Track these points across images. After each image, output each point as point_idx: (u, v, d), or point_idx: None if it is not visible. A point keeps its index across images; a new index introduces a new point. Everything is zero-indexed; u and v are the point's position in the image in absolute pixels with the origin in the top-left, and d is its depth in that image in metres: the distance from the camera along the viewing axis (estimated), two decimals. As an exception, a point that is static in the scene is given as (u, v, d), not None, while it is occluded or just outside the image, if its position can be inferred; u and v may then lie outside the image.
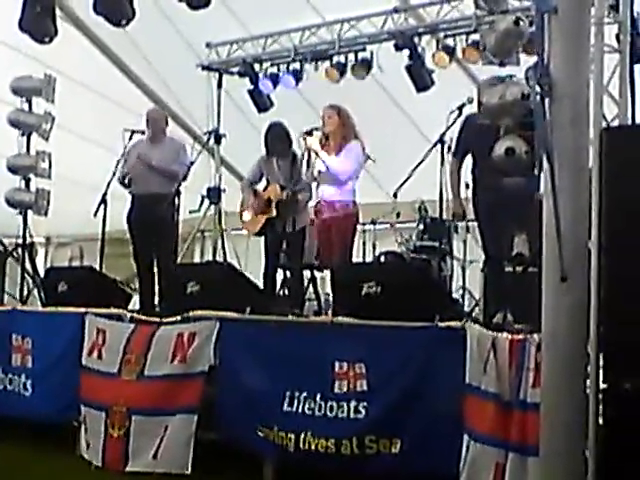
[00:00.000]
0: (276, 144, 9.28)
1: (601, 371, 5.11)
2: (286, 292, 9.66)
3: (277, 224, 9.06)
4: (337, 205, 8.74)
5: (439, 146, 8.13)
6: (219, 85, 11.10)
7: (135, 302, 9.15)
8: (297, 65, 10.62)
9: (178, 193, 9.48)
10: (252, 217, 9.41)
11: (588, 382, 5.15)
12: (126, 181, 9.48)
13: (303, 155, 8.66)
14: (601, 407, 5.10)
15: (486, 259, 8.19)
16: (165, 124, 9.92)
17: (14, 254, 10.36)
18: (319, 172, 8.70)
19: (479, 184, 7.91)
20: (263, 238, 9.42)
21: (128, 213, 9.67)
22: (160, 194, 9.30)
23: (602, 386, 5.10)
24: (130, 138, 9.50)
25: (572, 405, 5.14)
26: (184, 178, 9.53)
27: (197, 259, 13.55)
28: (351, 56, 10.28)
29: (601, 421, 5.09)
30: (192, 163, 9.52)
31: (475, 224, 8.32)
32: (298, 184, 8.91)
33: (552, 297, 5.19)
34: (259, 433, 6.74)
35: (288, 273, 9.61)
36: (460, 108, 7.94)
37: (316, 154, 8.61)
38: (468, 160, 8.00)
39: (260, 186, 9.53)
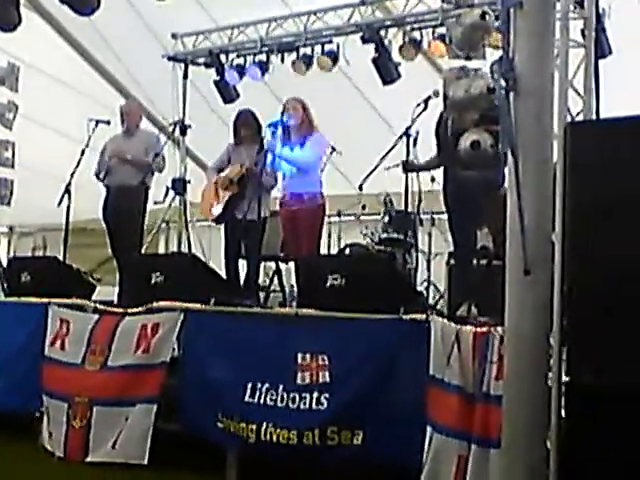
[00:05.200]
0: (244, 131, 9.29)
1: (563, 364, 5.15)
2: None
3: (239, 206, 9.04)
4: (305, 197, 8.75)
5: (405, 139, 8.14)
6: (185, 76, 11.04)
7: (98, 292, 9.08)
8: (263, 56, 10.59)
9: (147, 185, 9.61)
10: (214, 200, 9.38)
11: (550, 375, 5.20)
12: (102, 177, 9.64)
13: (268, 148, 8.66)
14: (563, 400, 5.15)
15: (453, 251, 8.23)
16: (140, 117, 10.00)
17: (-23, 244, 10.28)
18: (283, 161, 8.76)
19: (447, 177, 7.96)
20: (223, 226, 9.41)
21: (103, 205, 9.72)
22: (135, 186, 9.39)
23: (564, 379, 5.14)
24: (95, 128, 9.50)
25: (534, 398, 5.17)
26: (160, 170, 9.73)
27: (162, 250, 13.49)
28: (317, 48, 10.27)
29: (563, 413, 5.14)
30: (157, 155, 9.54)
31: (441, 217, 8.36)
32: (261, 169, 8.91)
33: (516, 290, 5.22)
34: (219, 424, 6.74)
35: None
36: (426, 101, 7.94)
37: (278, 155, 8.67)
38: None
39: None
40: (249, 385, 6.63)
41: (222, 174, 9.35)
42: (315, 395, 6.33)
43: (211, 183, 9.42)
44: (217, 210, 9.30)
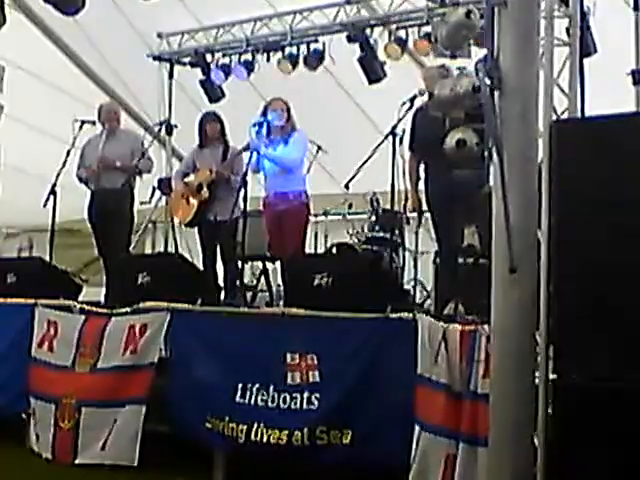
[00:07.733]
0: (208, 133, 9.28)
1: (550, 362, 5.16)
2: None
3: (211, 208, 9.03)
4: (290, 195, 8.72)
5: (391, 138, 8.13)
6: (170, 75, 11.03)
7: (85, 293, 9.06)
8: (249, 56, 10.57)
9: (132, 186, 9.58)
10: (184, 205, 9.31)
11: (537, 373, 5.20)
12: (85, 180, 9.59)
13: (253, 148, 8.63)
14: (550, 397, 5.15)
15: (438, 250, 8.23)
16: (119, 117, 9.93)
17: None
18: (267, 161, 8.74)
19: (431, 176, 7.96)
20: (197, 229, 9.37)
21: (89, 208, 9.66)
22: (120, 188, 9.35)
23: (551, 377, 5.15)
24: (80, 128, 9.46)
25: (521, 395, 5.19)
26: (149, 171, 9.68)
27: (148, 250, 13.45)
28: (303, 47, 10.24)
29: (550, 411, 5.15)
30: (143, 154, 9.52)
31: (428, 215, 8.35)
32: (229, 170, 8.91)
33: (502, 288, 5.23)
34: (208, 425, 6.73)
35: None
36: (412, 100, 7.92)
37: (262, 154, 8.65)
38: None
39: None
40: (239, 386, 6.63)
41: (189, 179, 9.31)
42: (306, 395, 6.34)
43: (178, 191, 9.39)
44: (189, 216, 9.25)
